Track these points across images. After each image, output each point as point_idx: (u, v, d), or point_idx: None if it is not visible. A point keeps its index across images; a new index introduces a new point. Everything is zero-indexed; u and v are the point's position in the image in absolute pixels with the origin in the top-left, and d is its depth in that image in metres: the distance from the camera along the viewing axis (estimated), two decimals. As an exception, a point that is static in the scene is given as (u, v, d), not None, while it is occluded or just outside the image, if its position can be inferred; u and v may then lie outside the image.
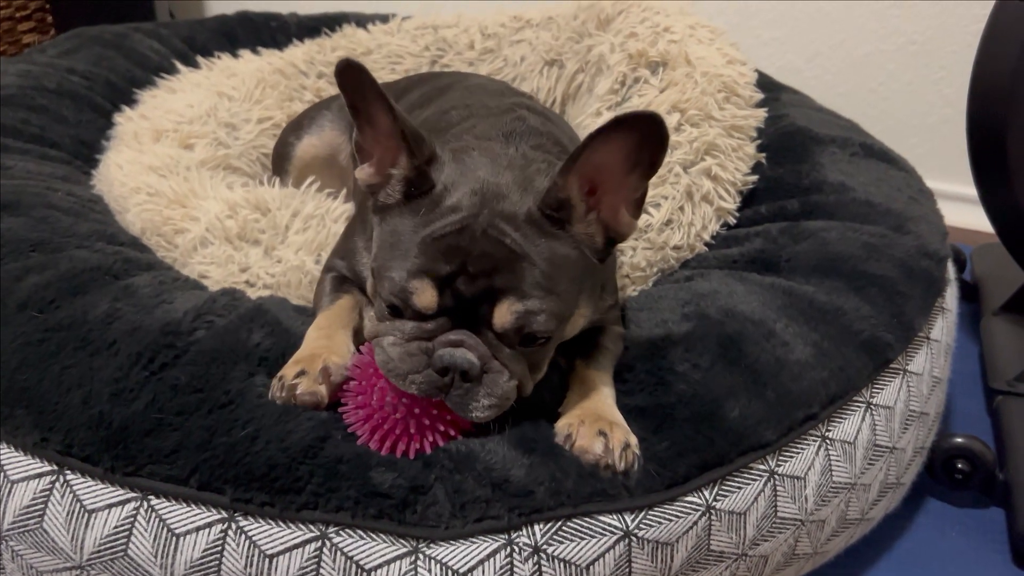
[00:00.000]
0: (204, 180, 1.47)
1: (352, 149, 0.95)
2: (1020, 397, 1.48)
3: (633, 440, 0.93)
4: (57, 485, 0.90)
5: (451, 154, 0.92)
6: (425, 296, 0.85)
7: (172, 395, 0.92)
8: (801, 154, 1.53)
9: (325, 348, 0.95)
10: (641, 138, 0.83)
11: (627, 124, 0.81)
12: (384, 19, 2.21)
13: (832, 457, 1.05)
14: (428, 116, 1.21)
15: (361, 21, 2.23)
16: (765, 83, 1.79)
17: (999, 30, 1.45)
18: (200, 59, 1.98)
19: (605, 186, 0.88)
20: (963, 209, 2.22)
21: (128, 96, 1.85)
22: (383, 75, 2.04)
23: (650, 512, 0.91)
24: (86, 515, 0.88)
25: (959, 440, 1.34)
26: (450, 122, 1.09)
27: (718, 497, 0.95)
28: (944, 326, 1.27)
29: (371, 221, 1.07)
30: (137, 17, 2.83)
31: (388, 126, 0.88)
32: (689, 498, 0.94)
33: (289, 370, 0.93)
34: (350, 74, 0.85)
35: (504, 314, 0.85)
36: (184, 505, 0.87)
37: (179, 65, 1.95)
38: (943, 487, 1.38)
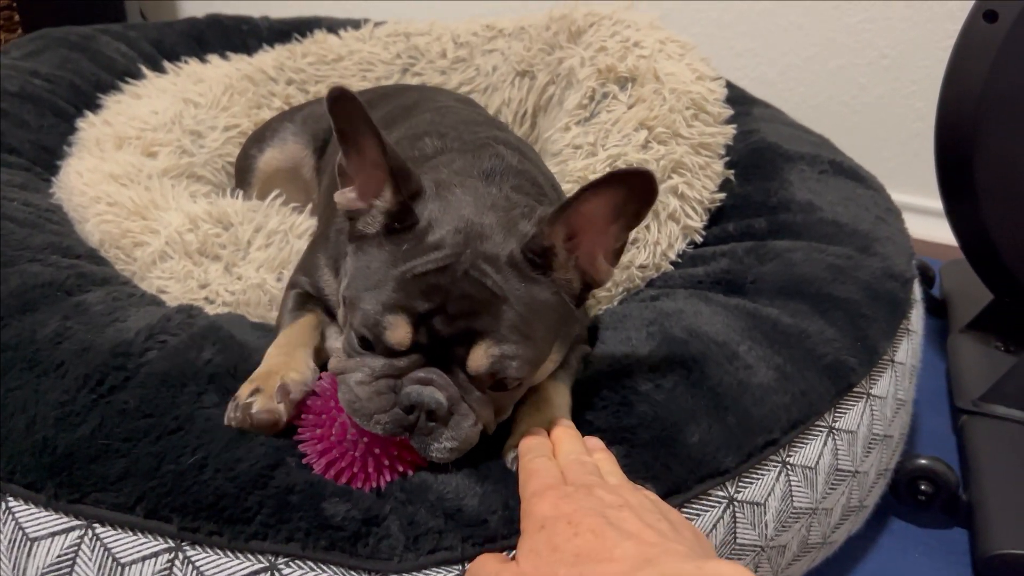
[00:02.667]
0: (166, 190, 1.44)
1: (334, 170, 0.93)
2: (984, 417, 1.48)
3: None
4: (-1, 512, 0.87)
5: (434, 188, 0.90)
6: (399, 332, 0.83)
7: (120, 420, 0.90)
8: (770, 171, 1.53)
9: (283, 365, 0.93)
10: (630, 192, 0.82)
11: (617, 180, 0.81)
12: (356, 25, 2.19)
13: (793, 482, 1.04)
14: (399, 141, 1.19)
15: (333, 26, 2.20)
16: (737, 96, 1.79)
17: (967, 51, 1.45)
18: (167, 64, 1.95)
19: (587, 234, 0.87)
20: (933, 223, 2.23)
21: (92, 100, 1.81)
22: (354, 82, 2.02)
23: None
24: (28, 543, 0.86)
25: (923, 462, 1.34)
26: (424, 153, 1.07)
27: (676, 525, 0.94)
28: (909, 348, 1.27)
29: (338, 241, 1.06)
30: (107, 16, 2.80)
31: (376, 157, 0.86)
32: (646, 526, 0.92)
33: (244, 389, 0.90)
34: (342, 103, 0.83)
35: (480, 357, 0.84)
36: (130, 534, 0.84)
37: (145, 70, 1.92)
38: (907, 507, 1.38)
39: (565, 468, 0.83)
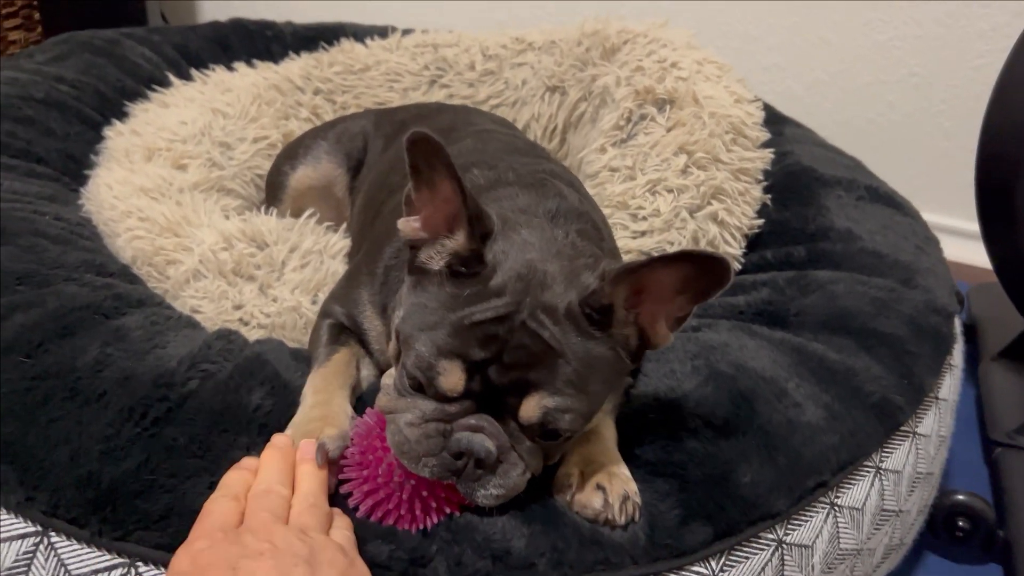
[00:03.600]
0: (198, 205, 1.43)
1: (373, 195, 0.91)
2: (1020, 450, 1.47)
3: (632, 488, 0.91)
4: (41, 548, 0.86)
5: (501, 227, 0.88)
6: (452, 378, 0.82)
7: (167, 455, 0.88)
8: (807, 197, 1.51)
9: (321, 419, 0.91)
10: (701, 271, 0.80)
11: (690, 260, 0.79)
12: (382, 33, 2.17)
13: (840, 524, 1.03)
14: None
15: (359, 34, 2.18)
16: (767, 115, 1.76)
17: (1014, 78, 1.43)
18: (194, 72, 1.93)
19: (651, 298, 0.85)
20: (960, 244, 2.21)
21: (118, 107, 1.80)
22: (381, 92, 2.00)
23: (655, 581, 0.89)
24: (71, 580, 0.85)
25: (961, 498, 1.33)
26: (478, 184, 1.05)
27: (725, 567, 0.92)
28: (951, 384, 1.26)
29: (388, 280, 1.04)
30: (127, 14, 2.78)
31: (450, 196, 0.84)
32: (696, 568, 0.91)
33: None
34: (423, 146, 0.81)
35: (533, 408, 0.82)
36: (174, 574, 0.83)
37: (172, 77, 1.90)
38: (942, 543, 1.36)
39: (248, 504, 0.80)
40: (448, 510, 0.88)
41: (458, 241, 0.86)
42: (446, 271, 0.86)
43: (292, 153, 1.59)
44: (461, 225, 0.85)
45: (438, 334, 0.82)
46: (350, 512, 0.87)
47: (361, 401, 1.02)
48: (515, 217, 0.92)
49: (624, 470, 0.93)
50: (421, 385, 0.84)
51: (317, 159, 1.56)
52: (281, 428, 0.92)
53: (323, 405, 0.93)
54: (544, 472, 0.92)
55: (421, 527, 0.86)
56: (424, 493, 0.86)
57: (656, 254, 1.29)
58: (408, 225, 0.89)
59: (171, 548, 0.83)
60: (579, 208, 1.01)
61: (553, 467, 0.93)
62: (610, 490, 0.89)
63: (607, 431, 0.98)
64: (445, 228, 0.87)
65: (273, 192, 1.58)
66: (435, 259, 0.87)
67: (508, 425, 0.84)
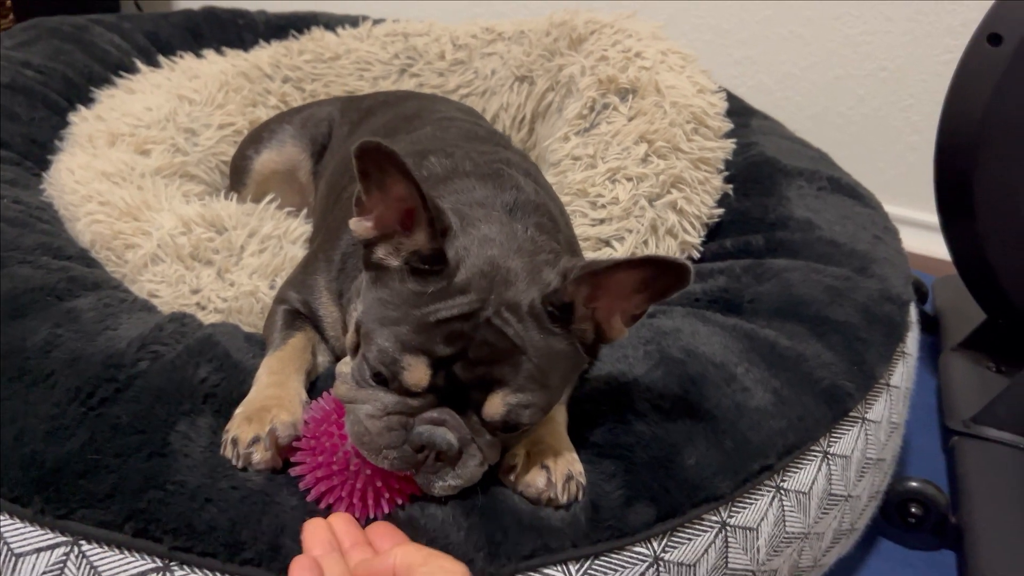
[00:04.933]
0: (159, 190, 1.43)
1: (332, 180, 0.91)
2: (976, 439, 1.48)
3: (578, 469, 0.92)
4: (-16, 526, 0.86)
5: (459, 223, 0.88)
6: (417, 374, 0.82)
7: (111, 435, 0.88)
8: (768, 187, 1.52)
9: (275, 401, 0.91)
10: (662, 274, 0.82)
11: (657, 264, 0.81)
12: (354, 22, 2.17)
13: (786, 508, 1.04)
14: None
15: (330, 23, 2.18)
16: (736, 108, 1.78)
17: (969, 73, 1.45)
18: (162, 58, 1.93)
19: (610, 295, 0.86)
20: (927, 237, 2.23)
21: (85, 93, 1.79)
22: (351, 81, 2.01)
23: (596, 561, 0.89)
24: (13, 559, 0.84)
25: (913, 484, 1.34)
26: (434, 172, 1.04)
27: (667, 548, 0.93)
28: (904, 371, 1.27)
29: (345, 267, 1.04)
30: (102, 3, 2.77)
31: (404, 196, 0.83)
32: (637, 548, 0.92)
33: (242, 433, 0.88)
34: (374, 155, 0.80)
35: (497, 405, 0.83)
36: (117, 552, 0.83)
37: (140, 64, 1.90)
38: (896, 529, 1.38)
39: None
40: (400, 501, 0.88)
41: (418, 240, 0.85)
42: (406, 268, 0.86)
43: (257, 137, 1.59)
44: (420, 225, 0.84)
45: (402, 330, 0.83)
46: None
47: (315, 387, 1.02)
48: (473, 212, 0.92)
49: (570, 451, 0.94)
50: (383, 378, 0.84)
51: (282, 143, 1.56)
52: (229, 401, 0.93)
53: (277, 386, 0.94)
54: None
55: (371, 515, 0.87)
56: (378, 483, 0.86)
57: (616, 244, 1.31)
58: (360, 225, 0.88)
59: (115, 525, 0.84)
60: (536, 200, 1.01)
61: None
62: (554, 469, 0.89)
63: (557, 415, 0.99)
64: (399, 226, 0.87)
65: (237, 176, 1.58)
66: (392, 256, 0.87)
67: (470, 419, 0.84)
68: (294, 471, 0.88)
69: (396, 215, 0.86)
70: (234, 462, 0.88)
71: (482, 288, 0.84)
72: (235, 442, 0.88)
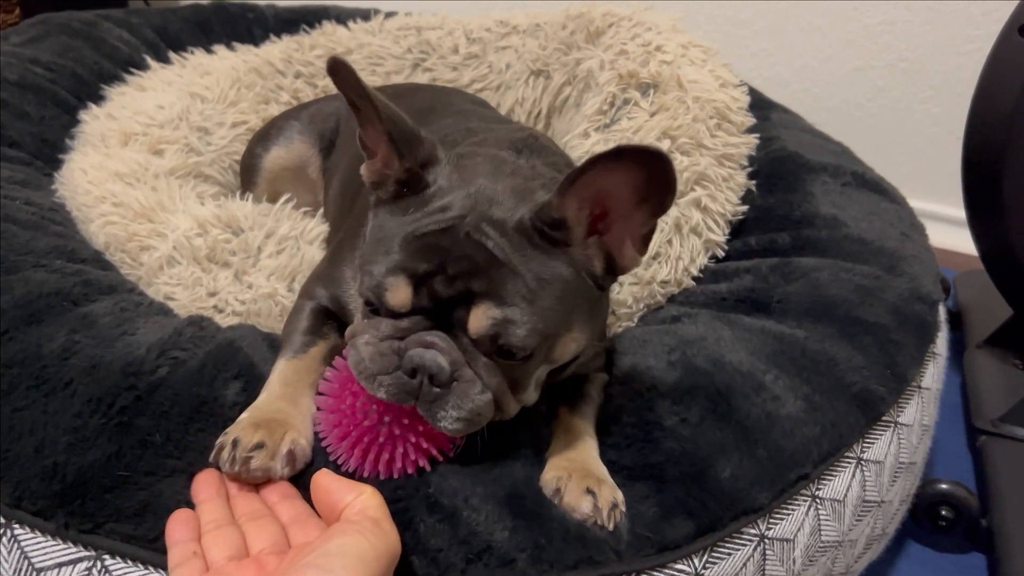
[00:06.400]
0: (173, 190, 1.40)
1: (346, 176, 0.90)
2: (1004, 439, 1.46)
3: (620, 497, 0.89)
4: (4, 539, 0.84)
5: (455, 158, 0.88)
6: (399, 293, 0.81)
7: (141, 450, 0.86)
8: (792, 182, 1.49)
9: (286, 417, 0.88)
10: (648, 175, 0.78)
11: (630, 157, 0.76)
12: (365, 16, 2.14)
13: (822, 517, 1.02)
14: None
15: (341, 17, 2.15)
16: (755, 100, 1.74)
17: (999, 66, 1.42)
18: (172, 55, 1.90)
19: (613, 214, 0.83)
20: (947, 230, 2.21)
21: (95, 91, 1.76)
22: (363, 76, 1.95)
23: (636, 578, 0.87)
24: (34, 573, 0.82)
25: (944, 487, 1.32)
26: (455, 142, 1.04)
27: (707, 564, 0.91)
28: (935, 372, 1.24)
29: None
30: (109, -2, 2.74)
31: (379, 124, 0.84)
32: (679, 565, 0.89)
33: (246, 436, 0.85)
34: (340, 72, 0.82)
35: (480, 318, 0.81)
36: (141, 567, 0.81)
37: (150, 60, 1.87)
38: (925, 532, 1.36)
39: None
40: (425, 444, 0.86)
41: (394, 167, 0.86)
42: (393, 196, 0.87)
43: (265, 135, 1.57)
44: (390, 148, 0.85)
45: (388, 255, 0.83)
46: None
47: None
48: (475, 151, 0.92)
49: (610, 479, 0.91)
50: (375, 307, 0.84)
51: (290, 140, 1.54)
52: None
53: (290, 401, 0.91)
54: (534, 469, 0.90)
55: (397, 474, 0.86)
56: (388, 419, 0.85)
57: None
58: (368, 168, 0.89)
59: (144, 540, 0.82)
60: (554, 149, 0.99)
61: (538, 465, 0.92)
62: (599, 495, 0.87)
63: (590, 438, 0.97)
64: (388, 164, 0.88)
65: (248, 176, 1.56)
66: (386, 191, 0.88)
67: (461, 341, 0.82)
68: (321, 431, 0.88)
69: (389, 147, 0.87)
70: (226, 466, 0.84)
71: (463, 207, 0.83)
72: (235, 444, 0.84)
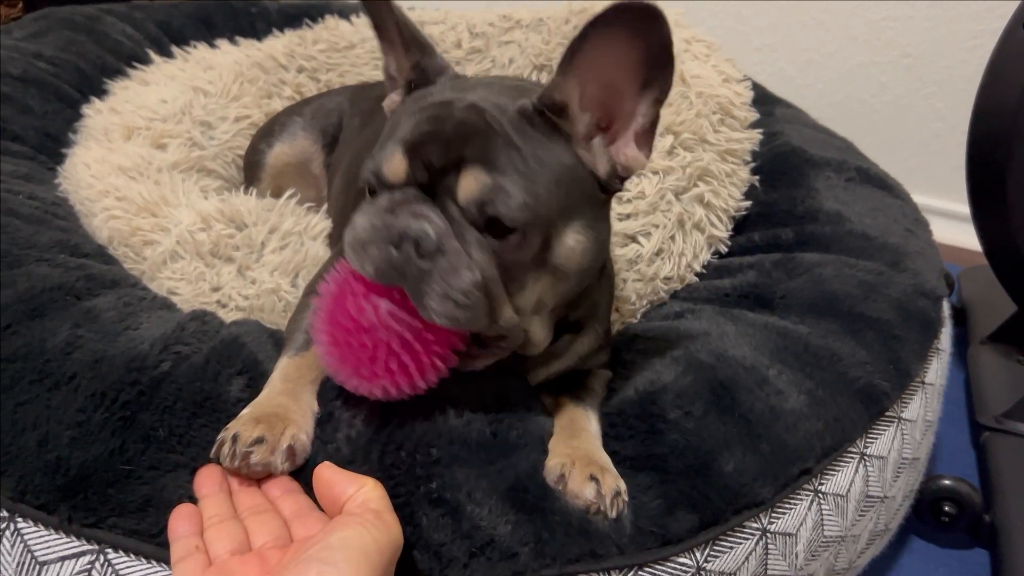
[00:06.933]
0: (177, 185, 1.40)
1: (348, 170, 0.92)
2: (1008, 435, 1.46)
3: (623, 486, 0.89)
4: (7, 533, 0.84)
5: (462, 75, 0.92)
6: (393, 163, 0.81)
7: (144, 445, 0.86)
8: (796, 178, 1.49)
9: (287, 412, 0.87)
10: (646, 45, 0.75)
11: (624, 16, 0.73)
12: (368, 10, 2.14)
13: (824, 512, 1.01)
14: None
15: (344, 11, 2.15)
16: (758, 95, 1.74)
17: (1005, 60, 1.41)
18: (175, 49, 1.90)
19: (615, 106, 0.82)
20: (951, 226, 2.20)
21: (98, 85, 1.76)
22: (366, 71, 1.98)
23: (639, 572, 0.87)
24: (37, 567, 0.82)
25: (947, 482, 1.32)
26: None
27: (709, 558, 0.91)
28: (938, 368, 1.24)
29: None
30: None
31: (397, 38, 0.90)
32: (681, 559, 0.89)
33: (246, 431, 0.84)
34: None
35: (469, 183, 0.78)
36: (144, 562, 0.81)
37: (152, 54, 1.87)
38: (928, 528, 1.35)
39: None
40: (430, 374, 0.83)
41: (404, 69, 0.92)
42: (404, 96, 0.92)
43: (268, 131, 1.57)
44: (403, 49, 0.91)
45: (388, 135, 0.84)
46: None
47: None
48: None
49: (613, 469, 0.91)
50: (374, 189, 0.84)
51: (293, 135, 1.54)
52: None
53: (291, 396, 0.90)
54: (536, 462, 0.90)
55: (405, 387, 0.83)
56: (408, 336, 0.81)
57: (643, 239, 1.28)
58: (391, 101, 0.94)
59: (147, 534, 0.82)
60: None
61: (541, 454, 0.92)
62: (603, 482, 0.87)
63: (593, 428, 0.96)
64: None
65: (252, 171, 1.56)
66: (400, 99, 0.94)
67: (450, 211, 0.80)
68: (320, 348, 0.84)
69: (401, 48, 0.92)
70: (226, 461, 0.83)
71: (460, 91, 0.84)
72: (235, 439, 0.83)
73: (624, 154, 0.85)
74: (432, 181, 0.80)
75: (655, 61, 0.77)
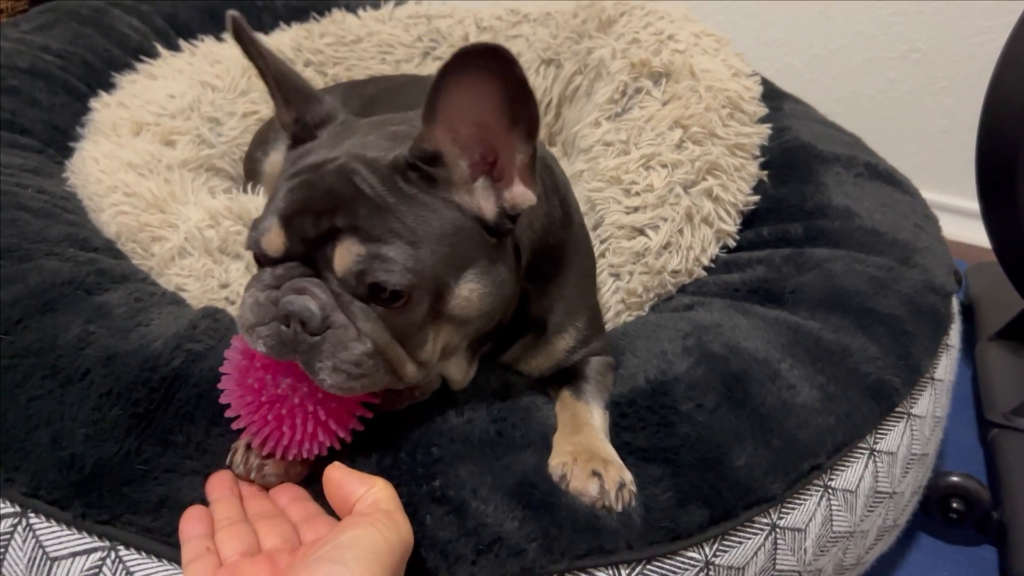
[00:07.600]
0: (185, 182, 1.40)
1: None
2: (1016, 432, 1.45)
3: (628, 477, 0.89)
4: (19, 528, 0.84)
5: (350, 121, 0.90)
6: (271, 236, 0.79)
7: (163, 450, 0.87)
8: (805, 173, 1.48)
9: None
10: (503, 83, 0.73)
11: (471, 62, 0.71)
12: (375, 4, 2.14)
13: (834, 507, 1.02)
14: None
15: (351, 5, 2.15)
16: (767, 90, 1.74)
17: (1015, 53, 1.40)
18: (183, 43, 1.90)
19: (495, 146, 0.79)
20: (959, 222, 2.19)
21: (105, 78, 1.76)
22: (373, 65, 1.97)
23: (648, 566, 0.87)
24: (48, 563, 0.83)
25: (955, 479, 1.32)
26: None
27: (718, 552, 0.91)
28: (947, 364, 1.24)
29: None
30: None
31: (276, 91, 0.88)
32: (690, 553, 0.89)
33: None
34: (237, 29, 0.85)
35: (344, 255, 0.76)
36: (155, 560, 0.82)
37: (160, 48, 1.87)
38: (936, 524, 1.35)
39: None
40: (340, 433, 0.84)
41: (286, 120, 0.89)
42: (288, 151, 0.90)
43: (263, 138, 1.56)
44: (278, 98, 0.88)
45: (267, 206, 0.82)
46: None
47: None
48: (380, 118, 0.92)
49: (617, 459, 0.91)
50: (260, 261, 0.83)
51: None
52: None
53: None
54: (542, 457, 0.90)
55: (311, 448, 0.83)
56: (310, 408, 0.82)
57: (651, 232, 1.28)
58: (275, 159, 0.98)
59: (161, 534, 0.82)
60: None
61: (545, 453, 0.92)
62: (606, 476, 0.87)
63: (596, 420, 0.96)
64: None
65: (250, 177, 1.55)
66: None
67: (331, 283, 0.78)
68: (229, 412, 0.84)
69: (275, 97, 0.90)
70: (239, 469, 0.85)
71: (338, 150, 0.82)
72: (249, 448, 0.86)
73: (511, 191, 0.82)
74: (310, 253, 0.79)
75: (515, 96, 0.74)
